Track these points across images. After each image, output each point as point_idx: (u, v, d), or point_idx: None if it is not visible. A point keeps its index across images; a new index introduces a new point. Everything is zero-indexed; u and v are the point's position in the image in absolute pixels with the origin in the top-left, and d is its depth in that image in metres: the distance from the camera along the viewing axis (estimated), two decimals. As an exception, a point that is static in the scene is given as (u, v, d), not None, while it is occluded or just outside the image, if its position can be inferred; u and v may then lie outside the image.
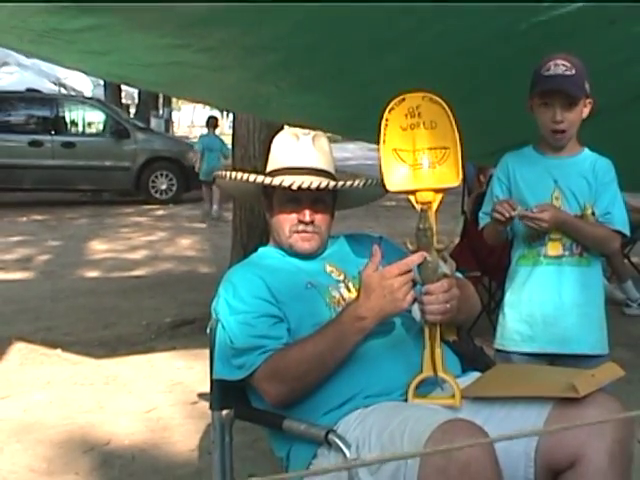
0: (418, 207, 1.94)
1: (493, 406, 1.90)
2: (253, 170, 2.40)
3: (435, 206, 1.94)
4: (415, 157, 1.96)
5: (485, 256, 4.76)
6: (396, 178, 1.97)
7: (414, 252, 1.89)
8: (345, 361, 1.95)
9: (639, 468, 1.96)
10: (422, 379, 1.93)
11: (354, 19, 2.51)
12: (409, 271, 1.87)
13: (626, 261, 5.94)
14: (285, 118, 4.29)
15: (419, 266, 1.88)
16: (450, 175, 1.94)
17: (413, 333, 2.04)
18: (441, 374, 1.92)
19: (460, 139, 1.93)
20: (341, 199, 2.23)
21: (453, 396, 1.91)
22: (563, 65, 2.44)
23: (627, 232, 2.59)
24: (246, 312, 2.02)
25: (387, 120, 1.97)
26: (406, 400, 1.93)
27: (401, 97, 1.97)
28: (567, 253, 2.57)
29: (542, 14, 2.49)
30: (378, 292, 1.87)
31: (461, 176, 1.94)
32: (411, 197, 1.96)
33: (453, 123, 1.93)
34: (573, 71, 2.44)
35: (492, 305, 4.90)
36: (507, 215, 2.48)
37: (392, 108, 1.97)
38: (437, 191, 1.95)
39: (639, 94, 3.16)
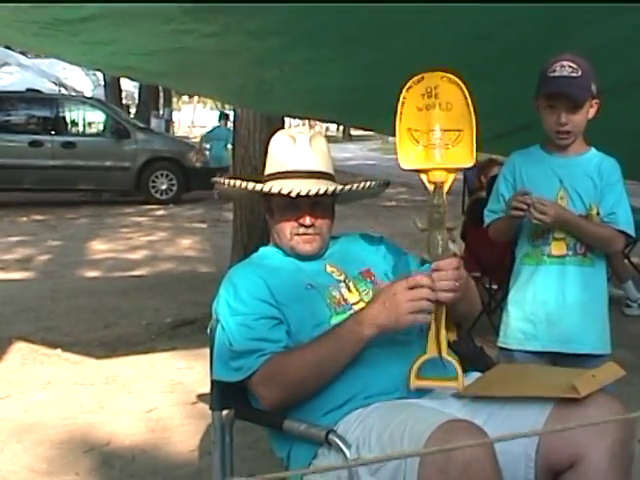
0: (430, 186, 1.90)
1: (493, 406, 1.90)
2: (253, 170, 2.40)
3: (447, 187, 1.90)
4: (429, 137, 1.92)
5: (485, 257, 4.76)
6: (409, 157, 1.93)
7: (423, 231, 1.87)
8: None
9: (640, 468, 1.96)
10: (425, 360, 1.90)
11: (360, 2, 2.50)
12: (420, 287, 1.83)
13: (626, 261, 5.94)
14: (288, 106, 4.26)
15: (429, 243, 1.86)
16: (464, 155, 1.90)
17: (414, 334, 2.03)
18: (445, 355, 1.88)
19: (477, 119, 1.88)
20: (341, 197, 2.22)
21: (456, 378, 1.89)
22: (569, 66, 2.42)
23: (632, 232, 2.60)
24: (246, 314, 2.02)
25: (404, 98, 1.92)
26: (407, 392, 1.92)
27: (420, 76, 1.92)
28: (570, 253, 2.57)
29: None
30: (381, 299, 1.87)
31: (475, 156, 1.89)
32: (423, 176, 1.92)
33: (470, 105, 1.89)
34: (579, 72, 2.42)
35: (492, 305, 4.90)
36: (524, 207, 2.47)
37: (410, 87, 1.92)
38: (449, 171, 1.91)
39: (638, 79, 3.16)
